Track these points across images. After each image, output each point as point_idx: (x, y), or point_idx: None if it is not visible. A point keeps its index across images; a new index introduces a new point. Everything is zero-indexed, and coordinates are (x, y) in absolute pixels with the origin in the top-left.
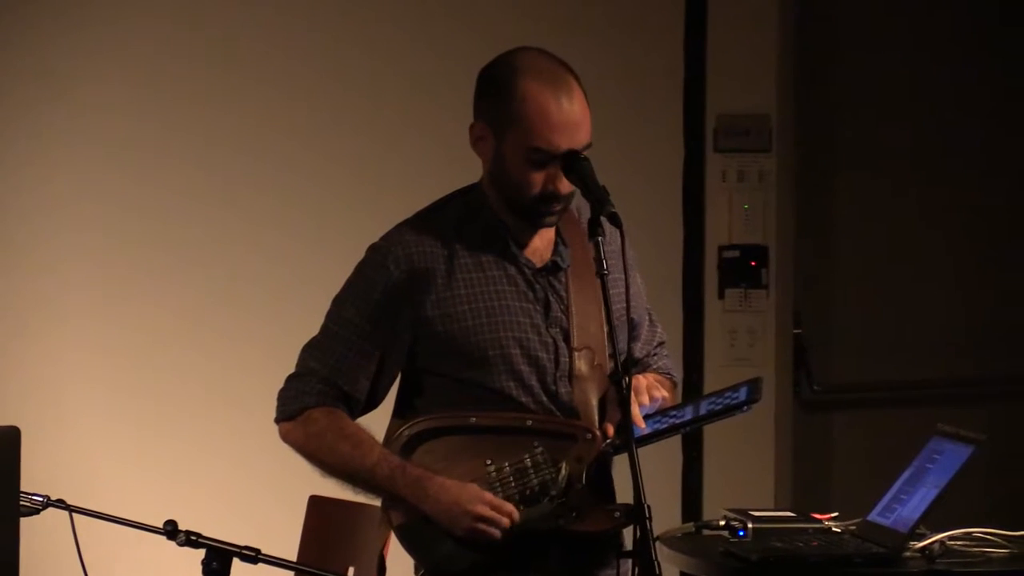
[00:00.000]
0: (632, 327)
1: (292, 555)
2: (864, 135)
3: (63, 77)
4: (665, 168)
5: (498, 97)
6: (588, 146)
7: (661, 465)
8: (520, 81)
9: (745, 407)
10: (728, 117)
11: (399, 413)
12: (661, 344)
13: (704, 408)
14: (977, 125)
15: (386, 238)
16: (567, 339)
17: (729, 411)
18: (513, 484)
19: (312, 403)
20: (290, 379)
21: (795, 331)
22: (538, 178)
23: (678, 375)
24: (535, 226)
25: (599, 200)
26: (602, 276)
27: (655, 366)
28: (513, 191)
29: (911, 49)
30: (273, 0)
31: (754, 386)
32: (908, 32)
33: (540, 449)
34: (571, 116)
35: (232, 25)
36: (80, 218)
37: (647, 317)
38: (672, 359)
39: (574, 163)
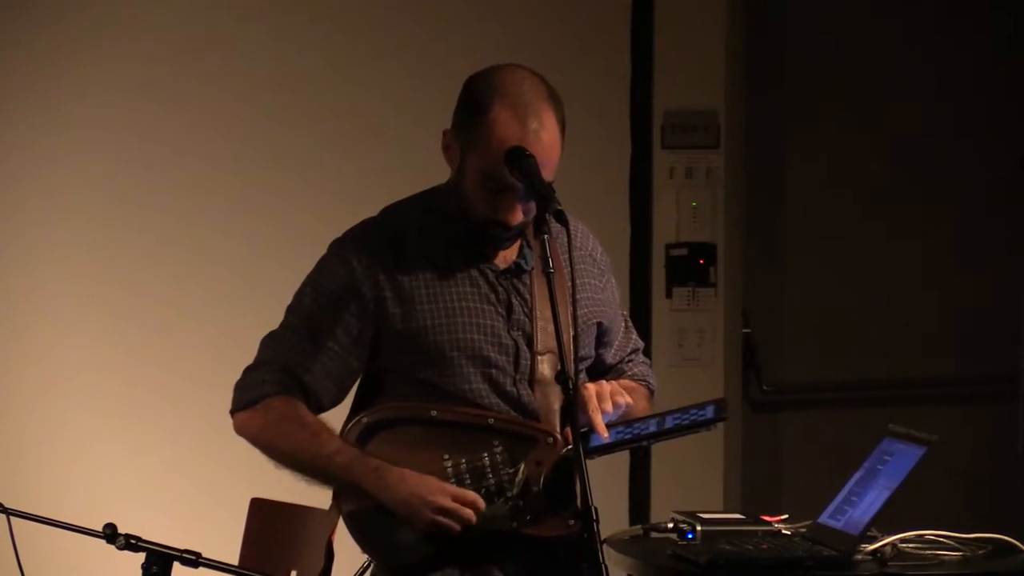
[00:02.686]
0: (602, 332)
1: (233, 559)
2: (813, 131)
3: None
4: (612, 165)
5: (470, 114)
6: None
7: (609, 467)
8: (493, 105)
9: (711, 425)
10: (675, 113)
11: (356, 409)
12: (636, 351)
13: (669, 422)
14: (928, 121)
15: (349, 233)
16: (530, 343)
17: (695, 427)
18: (469, 482)
19: (272, 391)
20: (248, 370)
21: (744, 330)
22: (489, 204)
23: (655, 382)
24: (483, 242)
25: (544, 198)
26: (548, 274)
27: (629, 373)
28: (468, 205)
29: (860, 44)
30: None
31: (721, 406)
32: (857, 27)
33: (500, 448)
34: (535, 152)
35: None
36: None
37: (622, 323)
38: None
39: (519, 159)
